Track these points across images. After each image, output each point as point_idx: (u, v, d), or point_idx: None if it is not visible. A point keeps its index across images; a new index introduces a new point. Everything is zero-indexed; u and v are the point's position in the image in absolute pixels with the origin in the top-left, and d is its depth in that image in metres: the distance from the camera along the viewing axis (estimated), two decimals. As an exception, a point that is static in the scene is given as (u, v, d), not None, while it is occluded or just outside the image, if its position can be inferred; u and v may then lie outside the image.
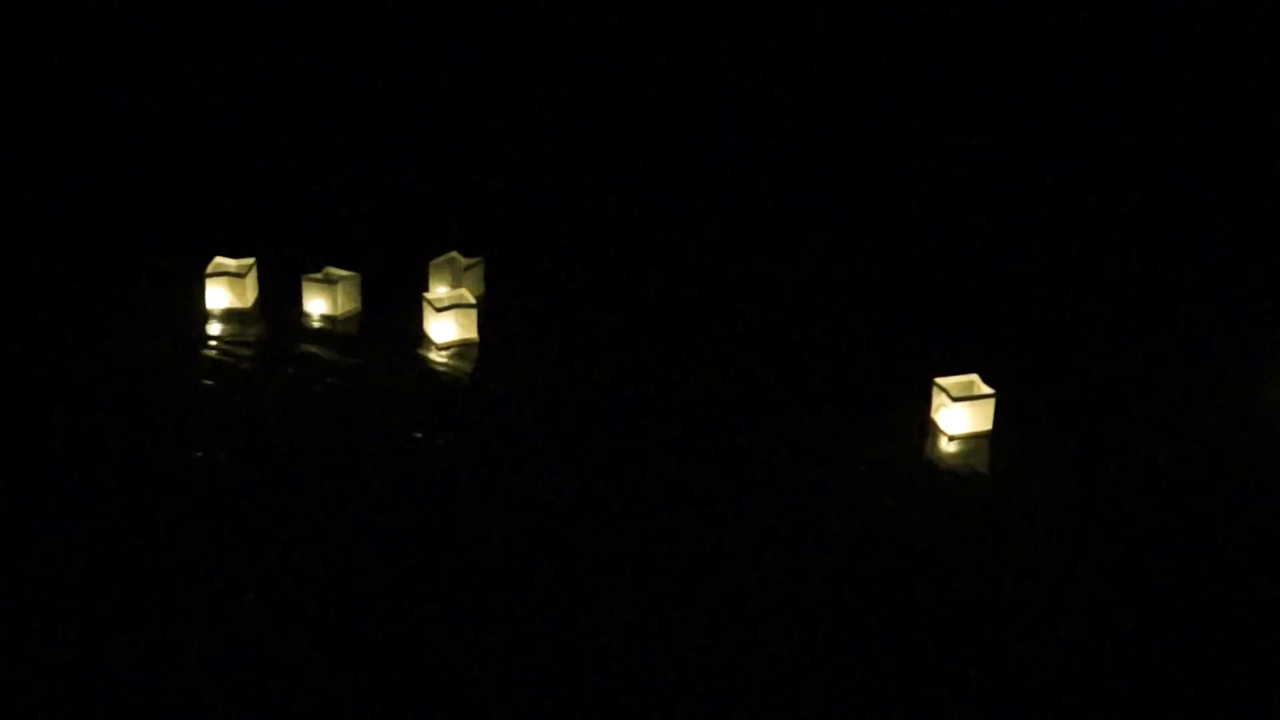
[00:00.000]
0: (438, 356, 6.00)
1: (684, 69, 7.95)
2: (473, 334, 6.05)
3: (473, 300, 6.11)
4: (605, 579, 4.70)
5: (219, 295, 6.27)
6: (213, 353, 5.97)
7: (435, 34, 7.95)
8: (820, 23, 7.98)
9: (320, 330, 6.19)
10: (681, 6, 8.00)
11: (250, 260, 6.33)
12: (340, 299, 6.25)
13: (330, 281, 6.25)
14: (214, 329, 6.15)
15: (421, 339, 6.10)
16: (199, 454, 5.23)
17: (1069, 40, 7.88)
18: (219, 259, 6.32)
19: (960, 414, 5.50)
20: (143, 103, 7.68)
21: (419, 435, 5.42)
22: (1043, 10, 7.89)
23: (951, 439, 5.50)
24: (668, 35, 8.00)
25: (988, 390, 5.52)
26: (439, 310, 6.03)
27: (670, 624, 4.51)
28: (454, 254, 6.44)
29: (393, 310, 6.26)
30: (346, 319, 6.26)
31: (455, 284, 6.35)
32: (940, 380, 5.56)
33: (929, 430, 5.55)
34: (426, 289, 6.34)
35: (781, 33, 8.00)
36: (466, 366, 5.95)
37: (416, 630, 4.45)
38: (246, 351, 5.99)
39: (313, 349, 6.04)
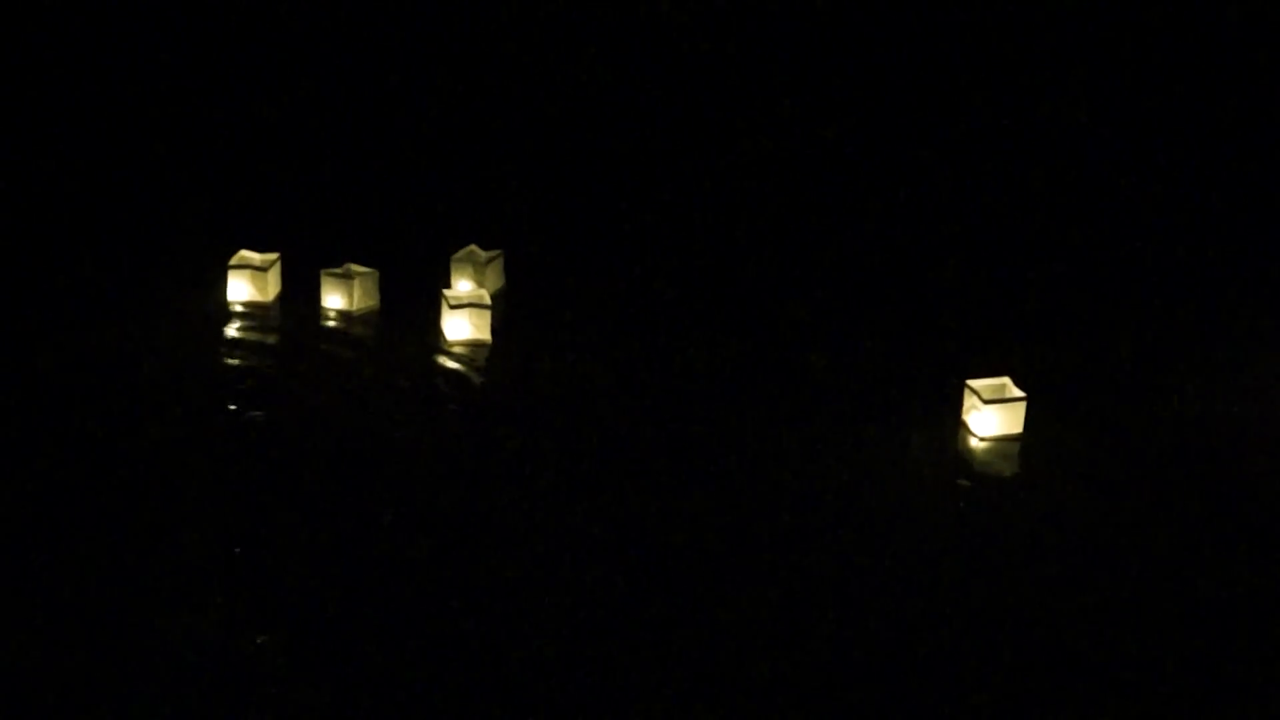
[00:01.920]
0: (450, 354, 5.93)
1: (714, 61, 7.89)
2: (485, 335, 5.98)
3: (488, 301, 6.02)
4: (621, 582, 4.65)
5: (240, 288, 6.20)
6: (230, 347, 5.93)
7: (457, 28, 7.91)
8: (851, 16, 7.89)
9: (335, 325, 6.13)
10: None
11: (274, 255, 6.26)
12: (357, 295, 6.17)
13: (348, 276, 6.16)
14: (233, 322, 6.10)
15: (437, 336, 6.03)
16: (219, 435, 5.26)
17: (1102, 42, 7.84)
18: (244, 252, 6.26)
19: (991, 416, 5.46)
20: (168, 98, 7.65)
21: (426, 433, 5.37)
22: (1076, 6, 7.81)
23: (982, 441, 5.45)
24: (696, 27, 7.94)
25: (1019, 393, 5.48)
26: (453, 308, 5.96)
27: (690, 627, 4.46)
28: (473, 247, 6.37)
29: (413, 307, 6.19)
30: (363, 315, 6.18)
31: (477, 277, 6.27)
32: (972, 382, 5.53)
33: (959, 432, 5.51)
34: (448, 283, 6.28)
35: (811, 26, 7.94)
36: (478, 365, 5.88)
37: (425, 628, 4.42)
38: (263, 345, 5.95)
39: (327, 345, 5.99)
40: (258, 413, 5.48)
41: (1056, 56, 7.83)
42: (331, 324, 6.13)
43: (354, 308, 6.18)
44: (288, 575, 4.62)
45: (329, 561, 4.68)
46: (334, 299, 6.19)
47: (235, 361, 5.85)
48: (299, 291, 6.27)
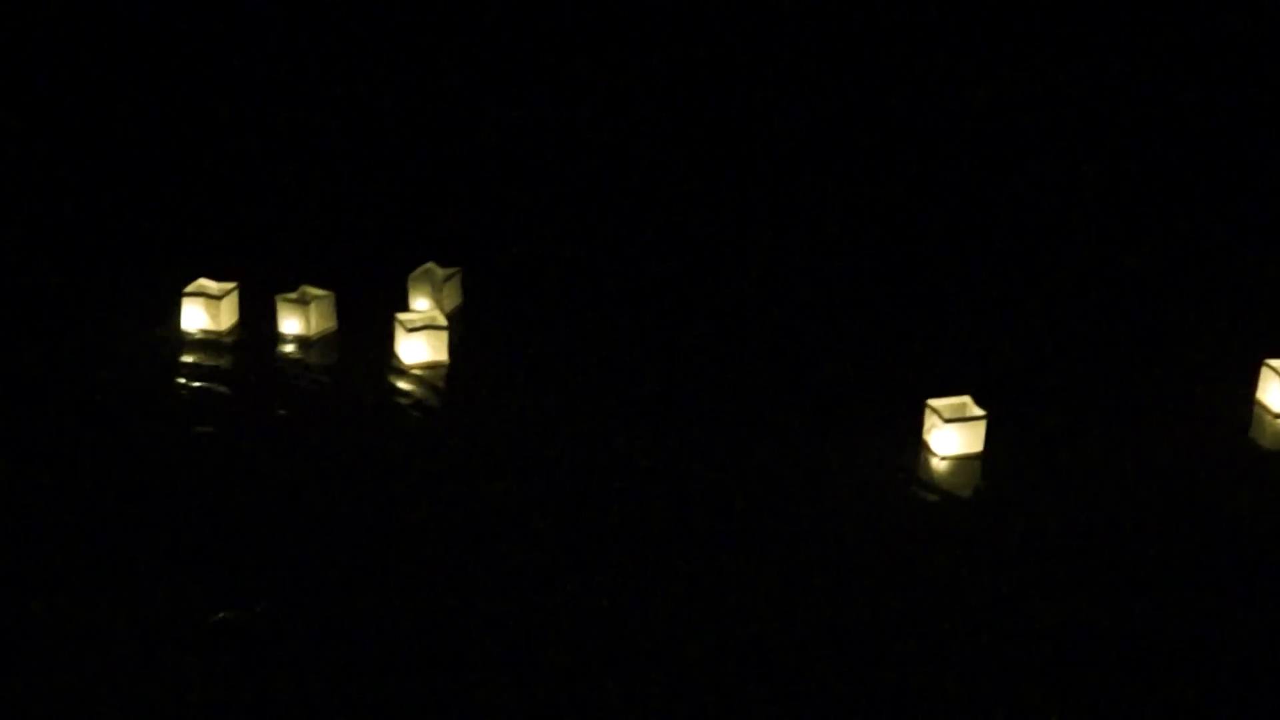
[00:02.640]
0: (408, 378, 5.89)
1: (677, 72, 7.84)
2: (443, 356, 5.94)
3: (444, 322, 5.96)
4: (581, 598, 4.67)
5: (196, 316, 6.15)
6: (183, 375, 5.90)
7: (410, 46, 7.88)
8: (809, 28, 7.88)
9: (292, 351, 6.08)
10: (665, 11, 7.89)
11: (231, 285, 6.20)
12: (314, 319, 6.12)
13: (304, 301, 6.11)
14: (187, 351, 6.06)
15: (393, 360, 5.98)
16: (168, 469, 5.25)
17: (1068, 56, 7.79)
18: (201, 280, 6.21)
19: (952, 435, 5.45)
20: (122, 119, 7.63)
21: (384, 459, 5.36)
22: (1039, 19, 7.79)
23: (942, 459, 5.44)
24: (666, 34, 7.90)
25: (979, 412, 5.46)
26: (409, 331, 5.90)
27: (658, 650, 4.48)
28: (430, 265, 6.31)
29: (369, 329, 6.13)
30: (321, 339, 6.13)
31: (435, 295, 6.22)
32: (932, 401, 5.52)
33: (920, 451, 5.49)
34: (406, 302, 6.23)
35: (767, 38, 7.91)
36: (435, 388, 5.84)
37: (385, 646, 4.46)
38: (218, 374, 5.92)
39: (282, 370, 5.95)
40: (209, 429, 5.51)
41: (1025, 71, 7.80)
42: (288, 349, 6.09)
43: (311, 332, 6.13)
44: (245, 595, 4.64)
45: (288, 581, 4.70)
46: (290, 324, 6.14)
47: (192, 385, 5.83)
48: (257, 317, 6.21)
